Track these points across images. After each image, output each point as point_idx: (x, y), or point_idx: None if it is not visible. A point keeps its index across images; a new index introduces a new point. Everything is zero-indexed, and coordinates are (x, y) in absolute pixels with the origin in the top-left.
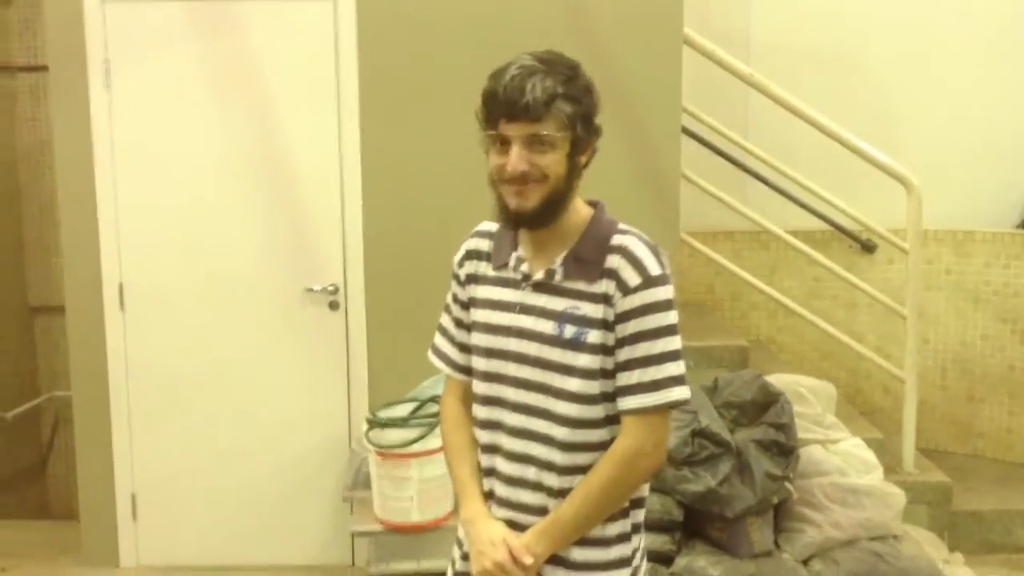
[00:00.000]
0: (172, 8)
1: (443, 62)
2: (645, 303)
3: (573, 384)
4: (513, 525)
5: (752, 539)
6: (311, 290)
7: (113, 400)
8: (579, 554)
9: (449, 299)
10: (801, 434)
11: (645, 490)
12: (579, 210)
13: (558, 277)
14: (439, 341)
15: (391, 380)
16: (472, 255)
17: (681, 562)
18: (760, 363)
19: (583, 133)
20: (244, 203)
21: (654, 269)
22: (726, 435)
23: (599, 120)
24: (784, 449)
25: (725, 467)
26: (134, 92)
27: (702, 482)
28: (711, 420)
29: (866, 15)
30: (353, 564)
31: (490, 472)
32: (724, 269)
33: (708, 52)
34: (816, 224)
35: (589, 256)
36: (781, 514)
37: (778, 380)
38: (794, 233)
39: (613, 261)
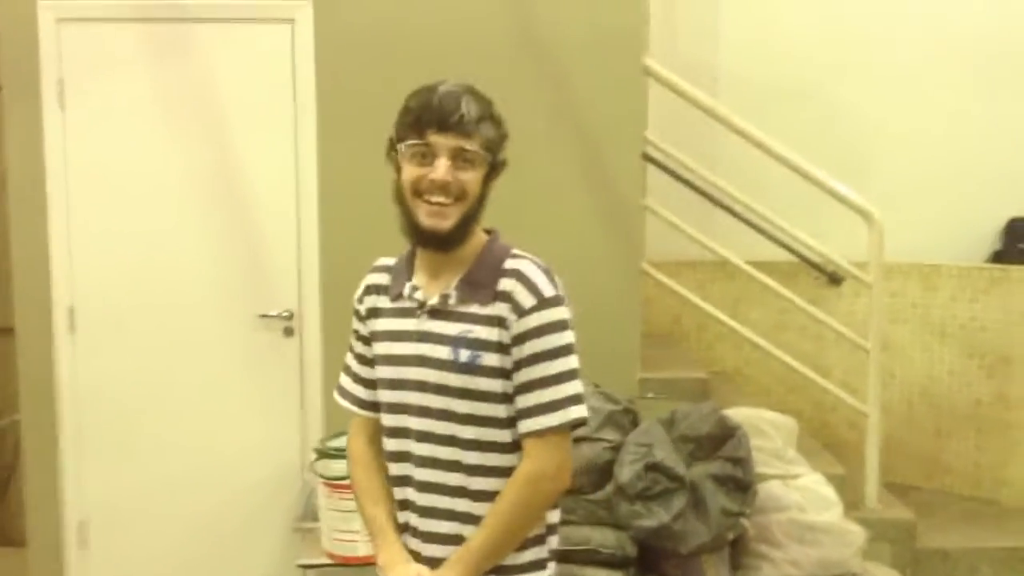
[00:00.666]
0: (128, 29)
1: (401, 86)
2: (540, 324)
3: (473, 407)
4: (430, 560)
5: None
6: (266, 316)
7: (62, 424)
8: None
9: (352, 338)
10: (760, 468)
11: (556, 516)
12: (476, 237)
13: (452, 301)
14: (344, 380)
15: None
16: (371, 290)
17: None
18: (724, 395)
19: (497, 161)
20: (199, 226)
21: (548, 290)
22: (681, 469)
23: (552, 149)
24: (741, 484)
25: (679, 502)
26: (89, 113)
27: (655, 517)
28: (666, 454)
29: (834, 49)
30: None
31: (404, 505)
32: (689, 300)
33: (670, 83)
34: (783, 256)
35: (483, 280)
36: (738, 551)
37: (739, 413)
38: (760, 264)
39: (506, 284)
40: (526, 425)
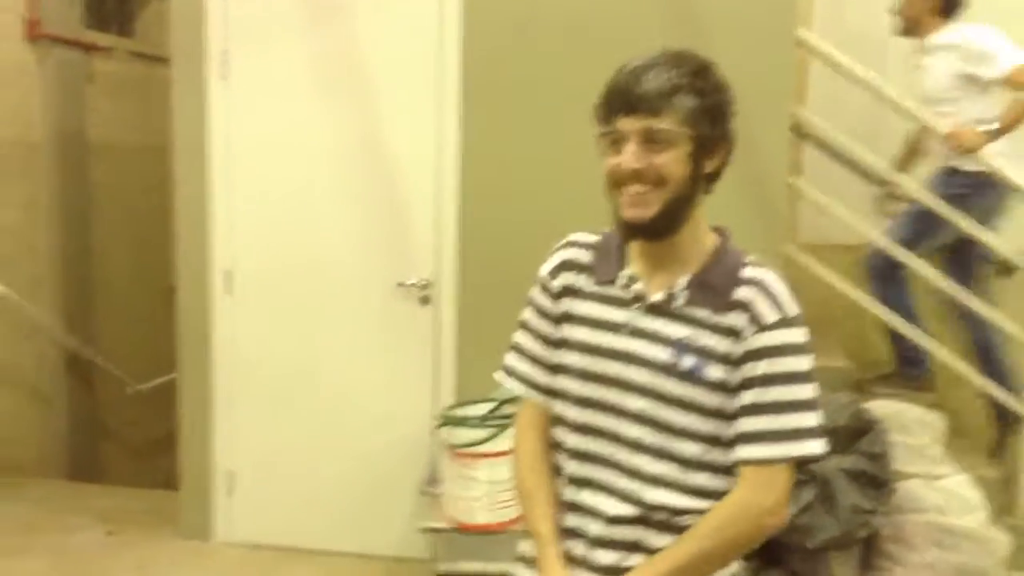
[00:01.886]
0: (286, 0)
1: (547, 57)
2: (782, 342)
3: (690, 421)
4: (605, 569)
5: (834, 574)
6: (403, 284)
7: (216, 380)
8: None
9: (528, 315)
10: (902, 466)
11: (736, 565)
12: (703, 231)
13: (679, 301)
14: (513, 360)
15: (478, 378)
16: (568, 266)
17: None
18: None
19: (708, 131)
20: (345, 195)
21: (791, 309)
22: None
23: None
24: (876, 481)
25: (807, 495)
26: (248, 83)
27: None
28: None
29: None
30: (434, 559)
31: (576, 507)
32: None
33: (826, 56)
34: None
35: (718, 283)
36: (869, 550)
37: (882, 407)
38: None
39: (746, 293)
40: (748, 451)
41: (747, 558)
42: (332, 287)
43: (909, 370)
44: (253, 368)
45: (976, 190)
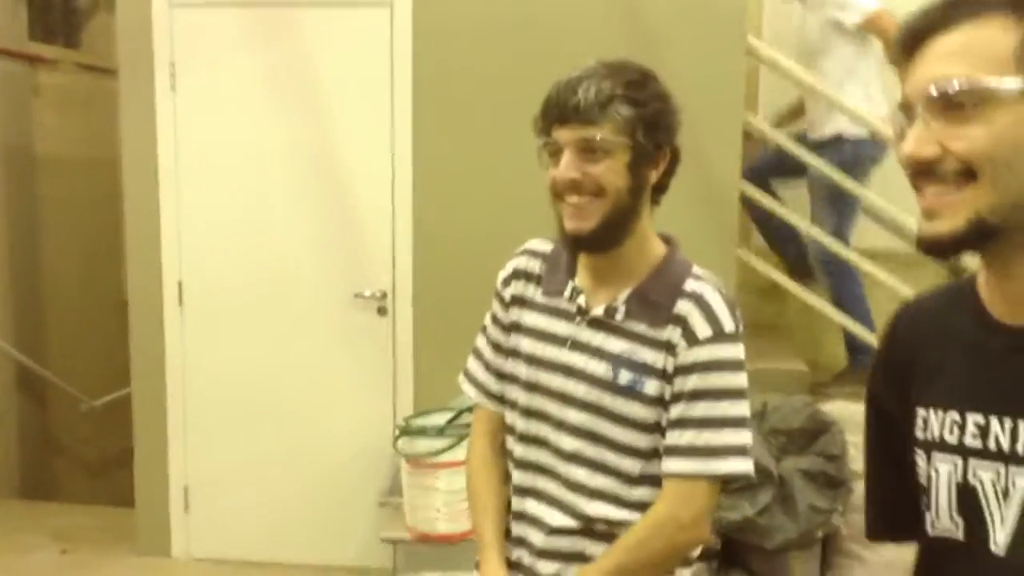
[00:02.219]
0: (234, 14)
1: (497, 69)
2: (713, 359)
3: (628, 436)
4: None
5: (794, 573)
6: (360, 295)
7: (170, 394)
8: None
9: (488, 320)
10: (859, 466)
11: (688, 573)
12: (650, 243)
13: (619, 316)
14: (472, 365)
15: (436, 387)
16: (520, 275)
17: None
18: (825, 390)
19: (647, 141)
20: (299, 207)
21: (727, 324)
22: (768, 463)
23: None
24: (833, 481)
25: (765, 497)
26: (198, 95)
27: (739, 511)
28: (753, 447)
29: None
30: (394, 570)
31: (521, 516)
32: (796, 288)
33: (774, 63)
34: (903, 246)
35: (658, 298)
36: (829, 549)
37: (838, 409)
38: (877, 254)
39: (683, 307)
40: (673, 465)
41: (707, 559)
42: (288, 299)
43: (862, 358)
44: (208, 382)
45: (862, 149)
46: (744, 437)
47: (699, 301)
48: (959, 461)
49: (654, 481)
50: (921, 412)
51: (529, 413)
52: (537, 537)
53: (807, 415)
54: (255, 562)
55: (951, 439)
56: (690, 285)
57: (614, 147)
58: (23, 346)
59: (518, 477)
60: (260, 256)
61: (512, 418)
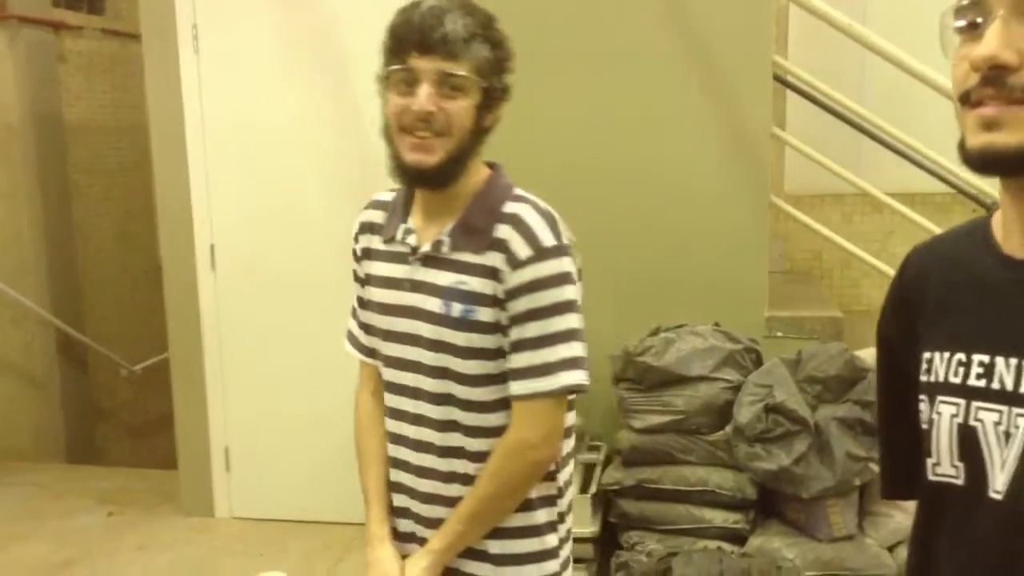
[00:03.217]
0: None
1: (522, 29)
2: (537, 277)
3: (471, 366)
4: (430, 520)
5: (832, 522)
6: None
7: (207, 357)
8: (498, 547)
9: (353, 279)
10: None
11: (566, 475)
12: (476, 173)
13: (445, 248)
14: (351, 324)
15: None
16: (366, 228)
17: (755, 542)
18: (862, 336)
19: (496, 84)
20: (326, 166)
21: (547, 240)
22: (804, 411)
23: (673, 75)
24: (870, 429)
25: (801, 445)
26: (221, 57)
27: (775, 460)
28: (788, 395)
29: None
30: None
31: (398, 464)
32: (832, 234)
33: (804, 3)
34: (939, 187)
35: (478, 224)
36: (867, 497)
37: (873, 354)
38: (913, 196)
39: (502, 231)
40: (514, 388)
41: (744, 508)
42: (320, 258)
43: None
44: (244, 344)
45: None
46: (575, 349)
47: (516, 222)
48: (962, 403)
49: (505, 405)
50: (926, 355)
51: (390, 361)
52: (413, 481)
53: (843, 362)
54: (295, 520)
55: (955, 380)
56: (508, 207)
57: (471, 86)
58: (62, 314)
59: (390, 425)
60: (290, 216)
61: (381, 369)
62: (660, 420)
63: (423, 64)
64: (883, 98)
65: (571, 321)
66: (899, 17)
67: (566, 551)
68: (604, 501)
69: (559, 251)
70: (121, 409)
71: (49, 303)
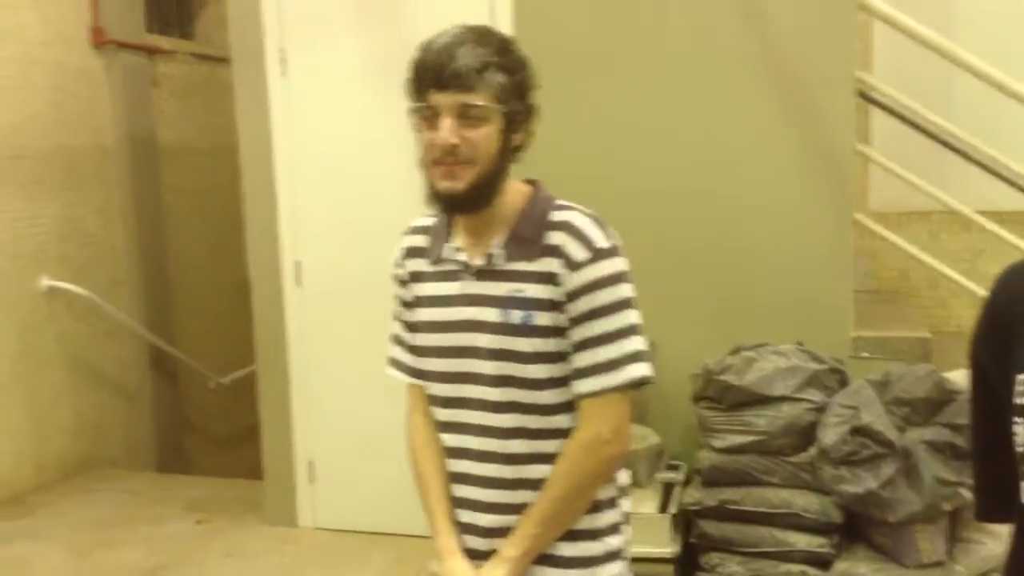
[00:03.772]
0: None
1: (600, 47)
2: (596, 277)
3: (535, 370)
4: (491, 530)
5: (920, 548)
6: None
7: (292, 370)
8: (569, 549)
9: (397, 304)
10: None
11: (626, 478)
12: (515, 191)
13: (498, 260)
14: (394, 351)
15: None
16: (411, 253)
17: (840, 567)
18: (951, 357)
19: (518, 107)
20: (408, 184)
21: (601, 241)
22: (891, 434)
23: (756, 91)
24: (960, 452)
25: (888, 469)
26: (308, 79)
27: (861, 483)
28: (875, 417)
29: None
30: None
31: (460, 478)
32: (920, 253)
33: (890, 18)
34: None
35: (529, 234)
36: (958, 523)
37: (963, 376)
38: (1002, 214)
39: (555, 237)
40: (582, 386)
41: (828, 532)
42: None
43: None
44: (329, 358)
45: None
46: (637, 343)
47: (569, 228)
48: None
49: (570, 407)
50: (1020, 377)
51: (445, 376)
52: (476, 493)
53: (931, 384)
54: (376, 532)
55: None
56: (556, 215)
57: (491, 113)
58: (154, 327)
59: (448, 440)
60: (373, 233)
61: (432, 387)
62: (741, 440)
63: (441, 99)
64: (972, 113)
65: (631, 317)
66: (988, 30)
67: (628, 553)
68: (684, 521)
69: (612, 251)
70: (209, 420)
71: (142, 317)
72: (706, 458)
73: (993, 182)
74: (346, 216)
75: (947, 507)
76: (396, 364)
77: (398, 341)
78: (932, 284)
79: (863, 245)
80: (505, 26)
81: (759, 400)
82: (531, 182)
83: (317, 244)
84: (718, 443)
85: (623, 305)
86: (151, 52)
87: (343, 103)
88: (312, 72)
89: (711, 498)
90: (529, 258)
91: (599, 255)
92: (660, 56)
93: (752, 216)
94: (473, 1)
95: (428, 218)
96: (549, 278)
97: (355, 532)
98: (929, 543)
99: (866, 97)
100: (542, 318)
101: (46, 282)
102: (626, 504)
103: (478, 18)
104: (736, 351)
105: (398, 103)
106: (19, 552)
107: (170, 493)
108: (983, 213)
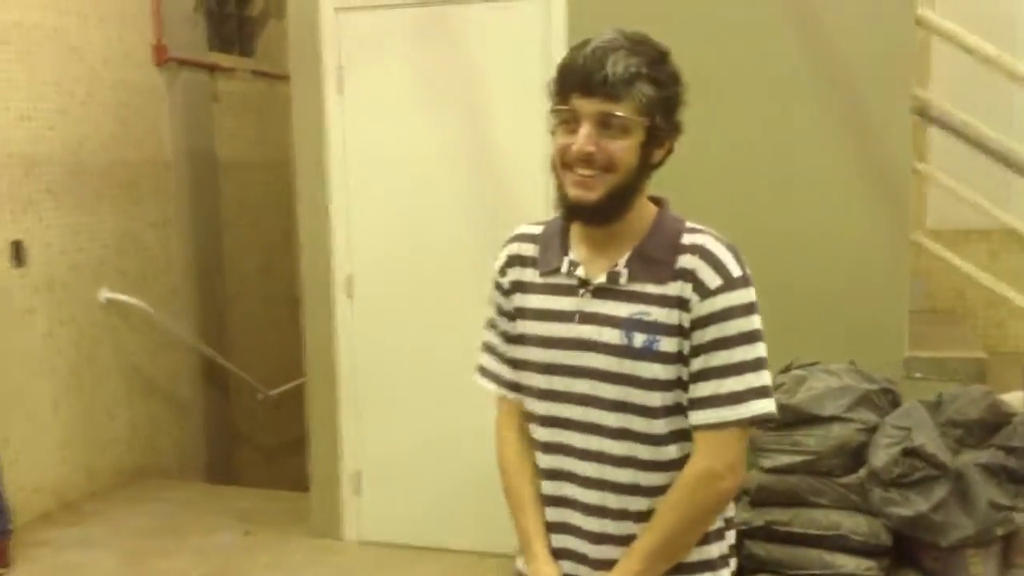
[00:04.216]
0: (395, 15)
1: None
2: (727, 306)
3: (653, 398)
4: (598, 563)
5: (972, 573)
6: None
7: (341, 383)
8: None
9: (493, 313)
10: None
11: (732, 510)
12: (644, 208)
13: (623, 280)
14: (486, 360)
15: None
16: (515, 261)
17: None
18: (1009, 379)
19: (662, 124)
20: (460, 202)
21: (735, 270)
22: (944, 456)
23: (811, 107)
24: (1015, 476)
25: (940, 491)
26: (364, 97)
27: (912, 506)
28: (927, 439)
29: None
30: None
31: (559, 501)
32: (975, 272)
33: (950, 35)
34: None
35: (659, 256)
36: (1011, 548)
37: (1021, 399)
38: None
39: (688, 261)
40: (700, 416)
41: (877, 555)
42: (449, 290)
43: None
44: (377, 371)
45: None
46: (764, 378)
47: (703, 253)
48: None
49: (681, 436)
50: None
51: (549, 395)
52: (580, 520)
53: (986, 405)
54: (421, 546)
55: None
56: (688, 238)
57: (633, 126)
58: (207, 340)
59: (547, 461)
60: (425, 249)
61: (531, 403)
62: (790, 460)
63: (584, 105)
64: None
65: (760, 350)
66: None
67: None
68: None
69: (745, 281)
70: (257, 432)
71: (195, 329)
72: (754, 478)
73: None
74: (398, 230)
75: (1000, 531)
76: (487, 374)
77: (491, 350)
78: (990, 304)
79: (919, 264)
80: (559, 45)
81: (809, 420)
82: (657, 200)
83: (369, 257)
84: (767, 463)
85: (753, 337)
86: (212, 69)
87: (397, 120)
88: (368, 90)
89: (759, 518)
90: (658, 280)
91: (733, 284)
92: (719, 76)
93: (808, 234)
94: (528, 21)
95: (535, 225)
96: (679, 303)
97: (400, 546)
98: (981, 568)
99: (924, 115)
100: (666, 343)
101: (105, 294)
102: (731, 536)
103: (532, 37)
104: (787, 369)
105: (452, 120)
106: (73, 559)
107: (219, 504)
108: None
